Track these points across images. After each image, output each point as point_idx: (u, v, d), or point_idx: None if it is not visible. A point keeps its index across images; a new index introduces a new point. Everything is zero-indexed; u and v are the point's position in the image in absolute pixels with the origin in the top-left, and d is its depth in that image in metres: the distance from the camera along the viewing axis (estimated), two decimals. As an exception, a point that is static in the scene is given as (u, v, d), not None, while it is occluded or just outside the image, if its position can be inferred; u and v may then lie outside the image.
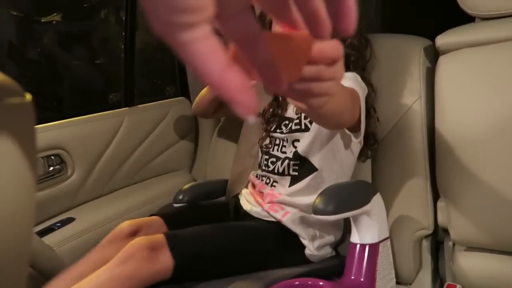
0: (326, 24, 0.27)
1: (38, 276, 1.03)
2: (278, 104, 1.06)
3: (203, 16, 0.23)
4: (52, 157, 1.14)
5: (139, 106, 1.35)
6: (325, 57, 0.33)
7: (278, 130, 1.03)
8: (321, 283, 0.80)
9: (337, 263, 0.96)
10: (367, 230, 0.91)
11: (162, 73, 1.19)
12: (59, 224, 1.13)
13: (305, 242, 0.96)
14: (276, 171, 1.01)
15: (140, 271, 0.76)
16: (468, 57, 0.96)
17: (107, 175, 1.26)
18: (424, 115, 1.06)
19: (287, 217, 0.97)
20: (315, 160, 0.97)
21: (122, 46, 1.34)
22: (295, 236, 0.96)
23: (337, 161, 0.98)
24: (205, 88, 1.23)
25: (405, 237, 1.06)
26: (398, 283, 1.03)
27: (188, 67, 0.25)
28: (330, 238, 1.01)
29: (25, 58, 1.27)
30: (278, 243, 0.95)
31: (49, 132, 1.13)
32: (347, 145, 0.98)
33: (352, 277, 0.87)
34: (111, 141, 1.26)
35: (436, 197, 1.08)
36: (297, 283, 0.81)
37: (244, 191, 1.10)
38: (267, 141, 1.06)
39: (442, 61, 1.02)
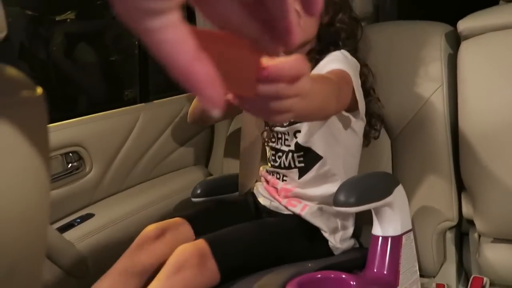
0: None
1: (60, 272, 1.04)
2: None
3: (172, 2, 0.22)
4: (70, 154, 1.15)
5: (154, 101, 1.35)
6: (285, 75, 0.32)
7: (277, 123, 1.01)
8: (343, 276, 0.79)
9: (359, 255, 0.94)
10: (390, 222, 0.89)
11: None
12: (79, 220, 1.14)
13: (326, 235, 0.95)
14: (282, 165, 1.00)
15: (194, 280, 0.78)
16: (492, 42, 0.93)
17: (125, 171, 1.26)
18: (446, 104, 1.02)
19: (306, 210, 0.96)
20: (318, 148, 0.95)
21: (136, 42, 1.34)
22: (316, 229, 0.95)
23: (340, 144, 0.96)
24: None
25: (429, 229, 1.04)
26: (421, 276, 1.00)
27: (155, 56, 0.23)
28: (352, 229, 0.99)
29: (39, 57, 1.28)
30: (301, 237, 0.94)
31: (66, 130, 1.14)
32: (347, 125, 0.95)
33: (375, 270, 0.86)
34: (127, 137, 1.26)
35: (460, 187, 1.05)
36: (319, 276, 0.80)
37: (259, 186, 1.09)
38: (269, 135, 1.04)
39: (465, 46, 0.98)
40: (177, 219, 0.99)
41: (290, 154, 0.98)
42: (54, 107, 1.36)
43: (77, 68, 1.37)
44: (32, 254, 0.29)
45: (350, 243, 0.98)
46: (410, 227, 0.94)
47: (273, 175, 1.04)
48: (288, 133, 0.99)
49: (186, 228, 0.98)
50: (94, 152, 1.18)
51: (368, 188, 0.86)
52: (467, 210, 1.04)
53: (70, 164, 1.15)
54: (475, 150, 0.97)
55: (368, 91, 0.99)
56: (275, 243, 0.91)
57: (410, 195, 0.98)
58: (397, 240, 0.88)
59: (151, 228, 0.94)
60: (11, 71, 0.34)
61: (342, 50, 0.94)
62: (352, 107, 0.89)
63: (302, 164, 0.97)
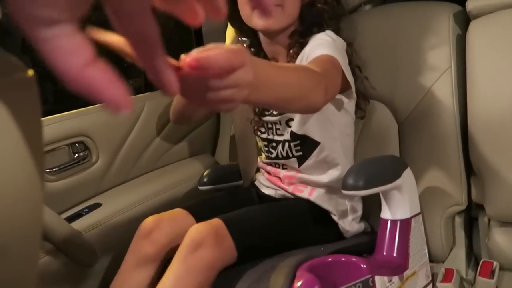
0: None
1: (69, 261, 1.05)
2: None
3: (67, 13, 0.22)
4: (77, 144, 1.15)
5: (159, 90, 1.34)
6: (212, 67, 0.33)
7: (266, 113, 0.99)
8: (354, 259, 0.78)
9: (369, 239, 0.93)
10: (398, 205, 0.88)
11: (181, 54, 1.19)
12: (87, 210, 1.14)
13: (335, 218, 0.94)
14: (280, 155, 0.98)
15: (212, 258, 0.77)
16: (502, 20, 0.91)
17: (131, 160, 1.26)
18: (454, 86, 1.01)
19: (314, 194, 0.96)
20: (314, 134, 0.93)
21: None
22: (326, 213, 0.94)
23: (335, 126, 0.94)
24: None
25: (437, 213, 1.03)
26: (430, 261, 0.99)
27: (49, 62, 0.23)
28: (361, 212, 0.99)
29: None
30: (312, 220, 0.93)
31: (72, 120, 1.14)
32: (340, 107, 0.93)
33: (384, 253, 0.85)
34: (133, 127, 1.26)
35: (469, 171, 1.03)
36: (330, 259, 0.79)
37: (260, 177, 1.07)
38: (258, 124, 1.02)
39: (474, 26, 0.96)
40: (177, 209, 0.98)
41: (287, 144, 0.96)
42: (59, 98, 1.37)
43: None
44: (25, 235, 0.29)
45: (361, 226, 0.98)
46: (419, 210, 0.93)
47: (271, 165, 1.03)
48: (280, 122, 0.97)
49: (187, 218, 0.96)
50: (100, 142, 1.18)
51: (376, 171, 0.85)
52: (476, 194, 1.03)
53: (76, 154, 1.15)
54: (484, 133, 0.95)
55: (353, 70, 0.97)
56: (289, 224, 0.91)
57: (418, 179, 0.97)
58: (406, 224, 0.88)
59: (149, 220, 0.93)
60: (1, 54, 0.34)
61: (327, 31, 0.92)
62: (344, 88, 0.87)
63: (300, 153, 0.96)
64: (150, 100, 1.30)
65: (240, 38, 1.04)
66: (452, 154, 1.01)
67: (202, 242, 0.77)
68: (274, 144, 0.99)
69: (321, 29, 0.93)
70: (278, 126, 0.98)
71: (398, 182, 0.86)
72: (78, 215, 1.12)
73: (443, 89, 1.01)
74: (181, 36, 1.52)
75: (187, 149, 1.41)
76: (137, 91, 1.35)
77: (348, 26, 1.12)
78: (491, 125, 0.93)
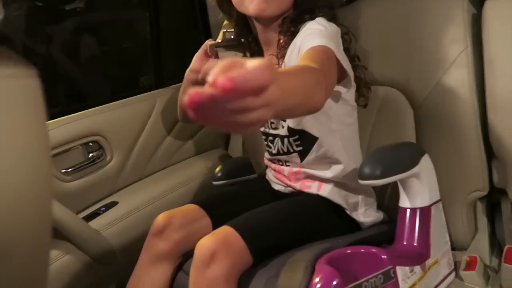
0: None
1: (89, 259, 1.06)
2: None
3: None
4: (91, 143, 1.16)
5: (170, 86, 1.34)
6: (249, 88, 0.29)
7: None
8: (374, 250, 0.77)
9: (387, 229, 0.92)
10: (417, 193, 0.86)
11: (190, 52, 1.18)
12: (104, 209, 1.15)
13: (347, 211, 0.92)
14: (281, 151, 0.95)
15: (228, 269, 0.75)
16: (520, -3, 0.87)
17: (145, 157, 1.26)
18: (471, 67, 0.97)
19: (322, 189, 0.93)
20: (312, 129, 0.89)
21: (148, 28, 1.33)
22: (338, 205, 0.92)
23: (333, 118, 0.89)
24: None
25: (458, 200, 1.00)
26: (452, 249, 0.97)
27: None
28: (375, 202, 0.96)
29: (52, 48, 1.28)
30: (325, 213, 0.91)
31: (84, 120, 1.14)
32: (338, 98, 0.88)
33: (405, 243, 0.83)
34: (145, 124, 1.26)
35: (490, 155, 1.00)
36: (349, 251, 0.78)
37: (269, 173, 1.05)
38: None
39: (489, 5, 0.93)
40: (188, 205, 0.98)
41: (286, 139, 0.93)
42: (70, 98, 1.38)
43: (90, 58, 1.37)
44: (33, 237, 0.29)
45: (377, 216, 0.95)
46: (438, 197, 0.90)
47: (275, 162, 1.00)
48: None
49: (199, 213, 0.95)
50: (114, 141, 1.19)
51: (393, 159, 0.83)
52: (498, 178, 1.00)
53: (91, 154, 1.16)
54: (504, 115, 0.92)
55: (352, 58, 0.93)
56: (302, 219, 0.89)
57: (436, 166, 0.94)
58: (426, 211, 0.86)
59: (161, 217, 0.93)
60: (4, 50, 0.33)
61: (317, 19, 0.87)
62: (340, 77, 0.83)
63: (301, 148, 0.92)
64: (161, 97, 1.30)
65: (225, 31, 0.99)
66: (471, 137, 0.98)
67: (213, 255, 0.75)
68: (271, 138, 0.97)
69: (313, 17, 0.88)
70: (272, 120, 0.94)
71: (416, 169, 0.84)
72: (95, 214, 1.13)
73: (460, 71, 0.98)
74: (189, 31, 1.51)
75: (200, 144, 1.41)
76: (148, 88, 1.34)
77: (355, 13, 1.10)
78: (510, 106, 0.90)
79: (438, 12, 1.01)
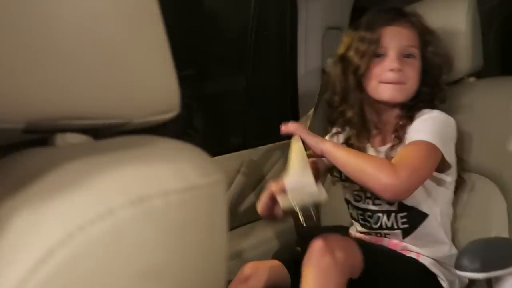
0: None
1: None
2: None
3: None
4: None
5: (257, 148, 1.41)
6: None
7: None
8: None
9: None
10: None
11: (277, 113, 1.27)
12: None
13: (444, 284, 0.94)
14: (384, 226, 0.98)
15: (344, 260, 0.80)
16: None
17: (231, 211, 1.31)
18: None
19: (422, 258, 0.95)
20: (423, 206, 0.94)
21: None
22: (433, 275, 0.94)
23: (438, 202, 0.96)
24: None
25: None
26: None
27: None
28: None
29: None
30: (420, 281, 0.94)
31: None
32: (442, 183, 0.96)
33: None
34: (232, 182, 1.33)
35: None
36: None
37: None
38: (352, 190, 1.02)
39: None
40: (273, 261, 1.03)
41: (393, 214, 0.96)
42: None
43: (196, 120, 1.48)
44: None
45: None
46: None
47: (371, 235, 1.02)
48: None
49: (282, 271, 0.99)
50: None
51: (493, 253, 0.83)
52: None
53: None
54: None
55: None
56: (396, 276, 0.91)
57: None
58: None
59: (249, 266, 0.98)
60: (202, 153, 0.37)
61: (432, 114, 0.93)
62: (445, 168, 0.91)
63: (406, 225, 0.95)
64: (248, 157, 1.37)
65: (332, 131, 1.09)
66: None
67: (331, 246, 0.80)
68: (370, 213, 0.99)
69: (430, 106, 0.96)
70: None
71: (514, 267, 0.82)
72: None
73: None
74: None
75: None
76: (236, 147, 1.43)
77: (451, 98, 1.12)
78: None
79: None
